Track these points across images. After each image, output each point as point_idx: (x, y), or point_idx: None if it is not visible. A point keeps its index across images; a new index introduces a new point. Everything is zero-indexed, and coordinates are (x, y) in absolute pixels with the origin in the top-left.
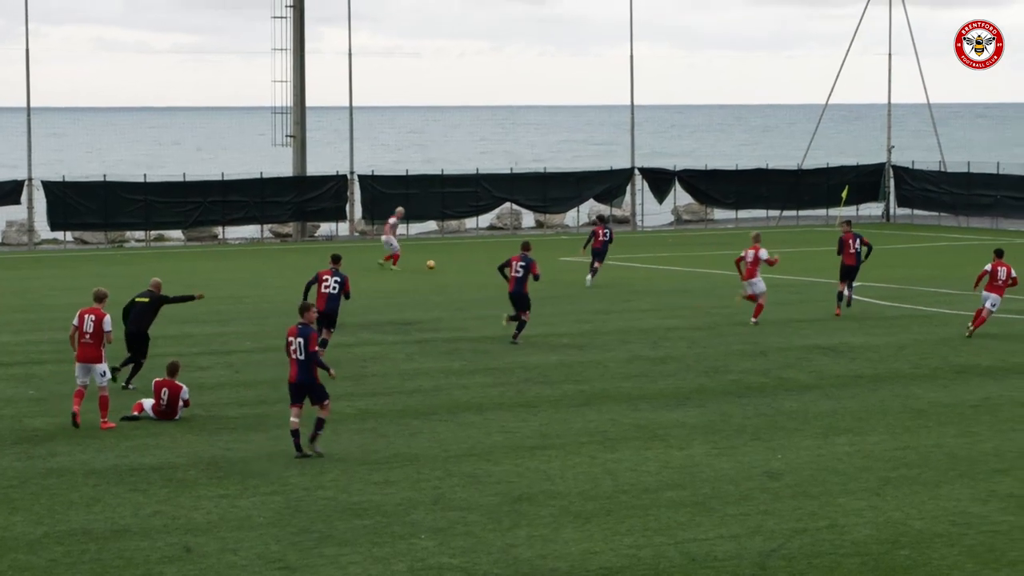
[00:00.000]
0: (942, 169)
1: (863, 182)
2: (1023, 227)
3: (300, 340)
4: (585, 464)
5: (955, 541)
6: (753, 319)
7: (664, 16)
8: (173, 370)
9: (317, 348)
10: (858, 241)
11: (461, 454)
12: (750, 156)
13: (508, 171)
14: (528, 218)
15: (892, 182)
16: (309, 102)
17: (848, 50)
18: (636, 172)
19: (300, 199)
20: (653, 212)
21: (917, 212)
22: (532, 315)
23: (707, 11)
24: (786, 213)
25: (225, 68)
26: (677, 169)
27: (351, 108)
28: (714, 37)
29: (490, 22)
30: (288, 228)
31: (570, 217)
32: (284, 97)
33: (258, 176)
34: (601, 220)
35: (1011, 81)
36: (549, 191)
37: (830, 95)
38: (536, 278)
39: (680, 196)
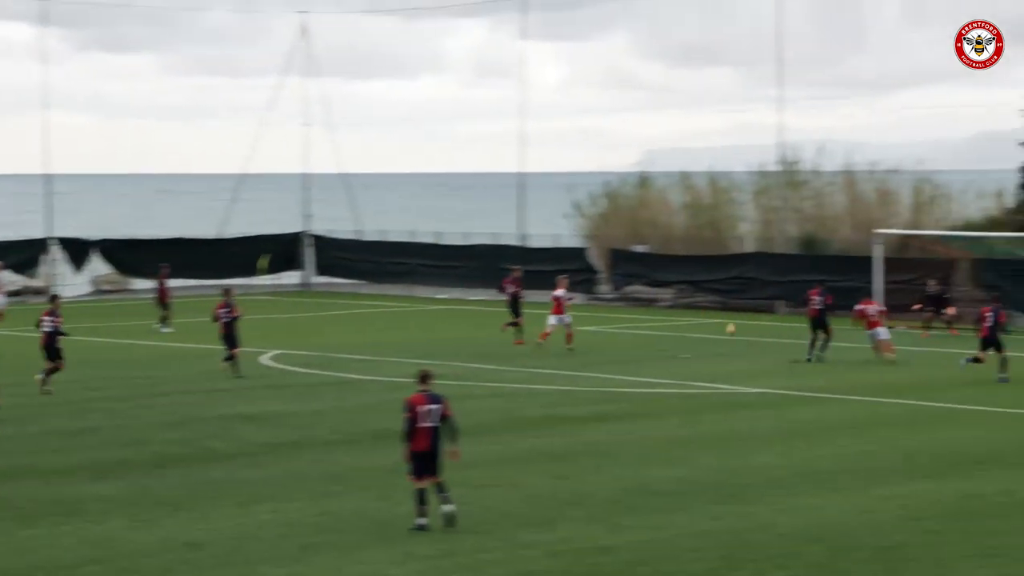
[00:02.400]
0: (359, 238)
1: (284, 251)
2: (435, 293)
3: None
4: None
5: None
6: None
7: (78, 84)
8: None
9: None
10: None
11: None
12: (174, 225)
13: None
14: None
15: (311, 251)
16: None
17: (262, 120)
18: (52, 242)
19: None
20: (72, 282)
21: (336, 280)
22: None
23: (121, 80)
24: (208, 282)
25: None
26: (96, 239)
27: None
28: (129, 106)
29: None
30: None
31: None
32: None
33: None
34: None
35: (416, 153)
36: None
37: (247, 164)
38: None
39: (100, 266)
